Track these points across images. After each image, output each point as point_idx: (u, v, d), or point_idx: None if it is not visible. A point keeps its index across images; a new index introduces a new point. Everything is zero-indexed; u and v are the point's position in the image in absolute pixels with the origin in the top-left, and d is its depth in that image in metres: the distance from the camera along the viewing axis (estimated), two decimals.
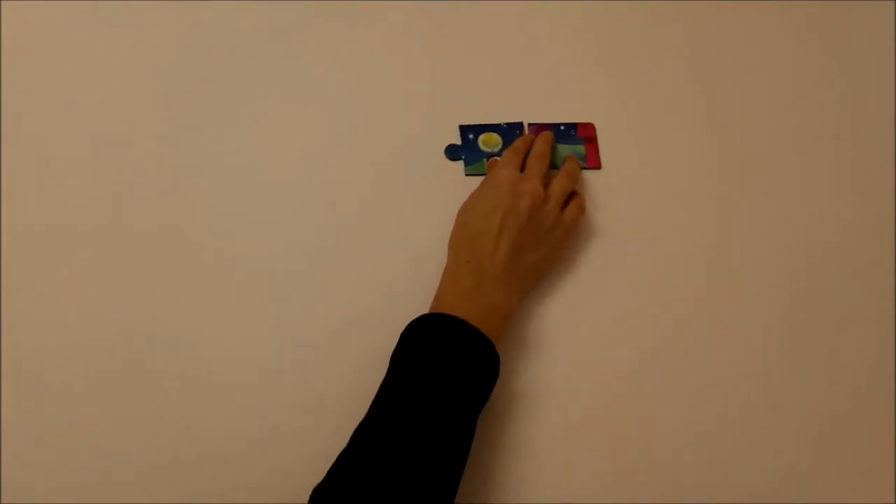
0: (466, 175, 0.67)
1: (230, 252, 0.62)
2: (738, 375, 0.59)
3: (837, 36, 0.76)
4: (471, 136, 0.68)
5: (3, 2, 0.73)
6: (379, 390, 0.51)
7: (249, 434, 0.56)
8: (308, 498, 0.46)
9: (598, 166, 0.68)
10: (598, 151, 0.68)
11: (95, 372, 0.57)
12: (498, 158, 0.67)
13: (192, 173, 0.66)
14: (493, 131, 0.69)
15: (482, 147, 0.68)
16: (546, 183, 0.62)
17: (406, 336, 0.53)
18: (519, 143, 0.66)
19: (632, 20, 0.76)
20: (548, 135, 0.67)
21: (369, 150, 0.68)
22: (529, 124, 0.69)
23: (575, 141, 0.69)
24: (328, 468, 0.48)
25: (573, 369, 0.59)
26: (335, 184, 0.66)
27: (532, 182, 0.60)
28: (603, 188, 0.67)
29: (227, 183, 0.66)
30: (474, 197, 0.62)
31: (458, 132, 0.68)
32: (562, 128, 0.69)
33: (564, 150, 0.68)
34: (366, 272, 0.62)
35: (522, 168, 0.63)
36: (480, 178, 0.66)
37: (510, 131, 0.69)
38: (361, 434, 0.49)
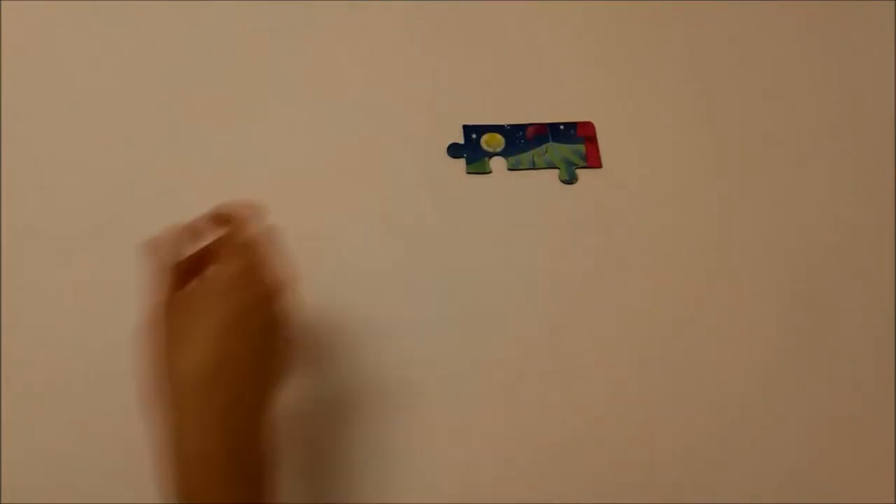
0: (468, 173, 0.67)
1: None
2: (737, 375, 0.59)
3: (837, 36, 0.76)
4: (474, 136, 0.69)
5: (3, 2, 0.73)
6: None
7: None
8: None
9: (598, 166, 0.68)
10: (598, 151, 0.68)
11: (95, 372, 0.57)
12: (500, 158, 0.67)
13: (193, 174, 0.66)
14: (497, 132, 0.69)
15: (485, 147, 0.68)
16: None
17: None
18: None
19: (632, 20, 0.76)
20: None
21: (369, 150, 0.68)
22: (529, 124, 0.69)
23: (575, 140, 0.69)
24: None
25: (573, 370, 0.59)
26: (335, 182, 0.66)
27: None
28: (603, 188, 0.67)
29: (228, 183, 0.65)
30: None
31: (459, 131, 0.69)
32: (561, 127, 0.69)
33: (564, 149, 0.68)
34: (366, 270, 0.62)
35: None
36: (481, 177, 0.66)
37: (514, 133, 0.69)
38: None
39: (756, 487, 0.55)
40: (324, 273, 0.62)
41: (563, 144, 0.68)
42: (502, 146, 0.68)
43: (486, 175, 0.67)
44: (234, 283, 0.42)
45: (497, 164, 0.68)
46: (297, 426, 0.55)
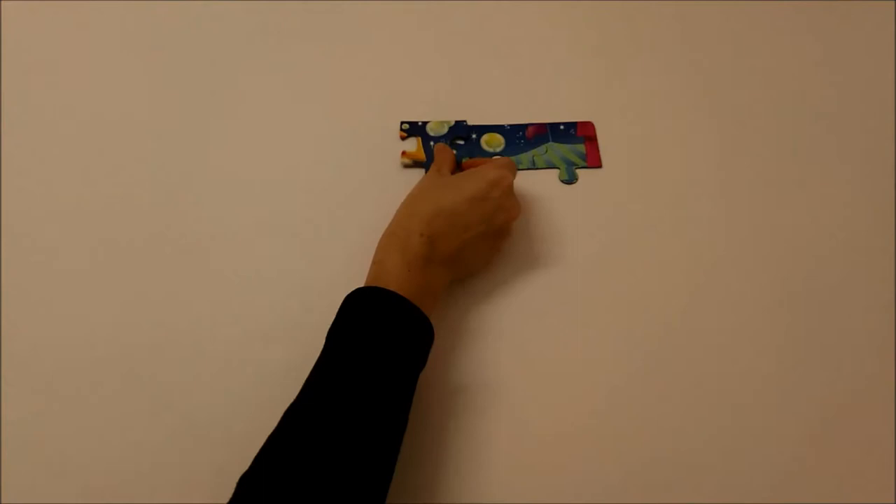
0: None
1: (228, 253, 0.62)
2: (737, 375, 0.59)
3: (837, 36, 0.76)
4: (474, 136, 0.69)
5: (3, 2, 0.73)
6: (313, 369, 0.50)
7: (248, 435, 0.55)
8: (235, 486, 0.45)
9: (598, 165, 0.68)
10: (598, 150, 0.68)
11: (95, 372, 0.57)
12: (499, 158, 0.68)
13: (188, 177, 0.66)
14: (497, 132, 0.69)
15: (485, 147, 0.68)
16: None
17: (344, 310, 0.52)
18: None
19: (632, 20, 0.76)
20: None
21: (368, 149, 0.68)
22: (529, 124, 0.70)
23: (575, 140, 0.69)
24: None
25: (572, 370, 0.59)
26: (334, 182, 0.66)
27: (516, 201, 0.60)
28: (603, 188, 0.67)
29: (224, 187, 0.66)
30: (461, 179, 0.59)
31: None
32: (561, 127, 0.69)
33: (564, 149, 0.68)
34: (365, 270, 0.62)
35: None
36: None
37: (514, 132, 0.69)
38: (291, 415, 0.48)
39: (755, 487, 0.55)
40: (324, 274, 0.62)
41: (563, 144, 0.68)
42: (502, 146, 0.68)
43: None
44: (494, 184, 0.58)
45: None
46: None
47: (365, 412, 0.47)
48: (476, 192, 0.58)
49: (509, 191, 0.59)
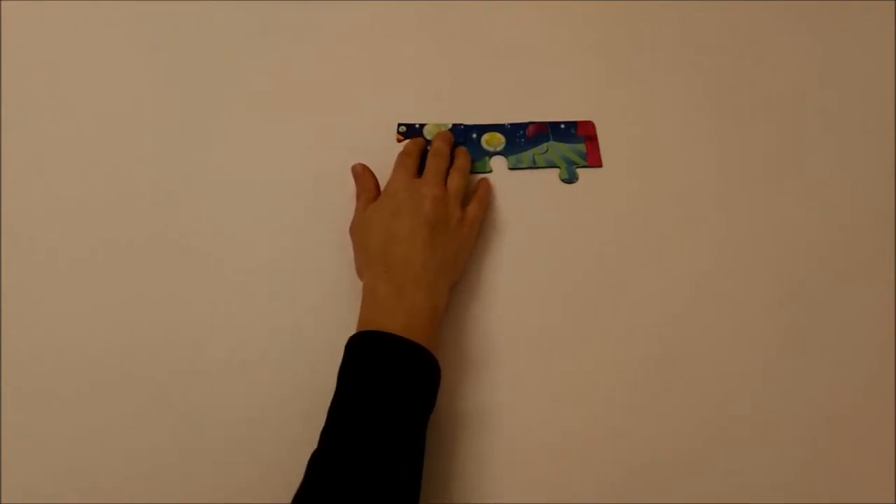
0: (468, 173, 0.67)
1: (228, 253, 0.63)
2: (737, 375, 0.59)
3: (837, 36, 0.76)
4: (474, 136, 0.69)
5: (3, 2, 0.73)
6: (331, 415, 0.50)
7: (248, 435, 0.56)
8: None
9: (598, 164, 0.68)
10: (598, 150, 0.68)
11: (95, 372, 0.57)
12: (501, 157, 0.68)
13: (188, 177, 0.66)
14: (497, 131, 0.69)
15: (485, 146, 0.68)
16: (444, 181, 0.62)
17: (353, 355, 0.52)
18: (410, 146, 0.65)
19: (632, 20, 0.76)
20: (445, 134, 0.67)
21: (367, 149, 0.68)
22: (530, 123, 0.70)
23: (575, 139, 0.69)
24: None
25: (572, 369, 0.59)
26: (332, 183, 0.66)
27: (429, 184, 0.59)
28: (603, 187, 0.67)
29: (224, 187, 0.66)
30: (371, 212, 0.60)
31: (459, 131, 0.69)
32: (562, 126, 0.69)
33: (565, 148, 0.68)
34: None
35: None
36: (481, 176, 0.67)
37: (514, 131, 0.69)
38: (318, 469, 0.47)
39: (756, 487, 0.55)
40: (322, 274, 0.62)
41: (564, 143, 0.68)
42: (503, 145, 0.68)
43: (487, 174, 0.67)
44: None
45: (498, 163, 0.68)
46: None
47: (389, 463, 0.47)
48: (389, 211, 0.58)
49: (421, 187, 0.59)
